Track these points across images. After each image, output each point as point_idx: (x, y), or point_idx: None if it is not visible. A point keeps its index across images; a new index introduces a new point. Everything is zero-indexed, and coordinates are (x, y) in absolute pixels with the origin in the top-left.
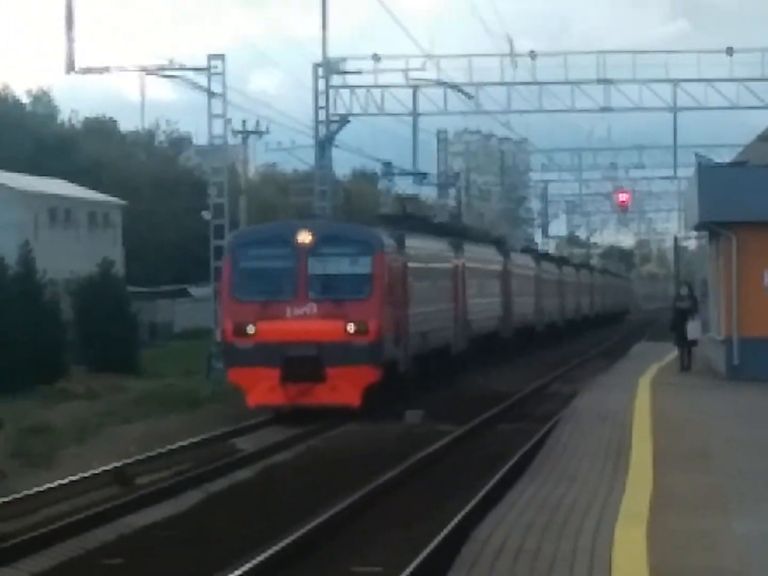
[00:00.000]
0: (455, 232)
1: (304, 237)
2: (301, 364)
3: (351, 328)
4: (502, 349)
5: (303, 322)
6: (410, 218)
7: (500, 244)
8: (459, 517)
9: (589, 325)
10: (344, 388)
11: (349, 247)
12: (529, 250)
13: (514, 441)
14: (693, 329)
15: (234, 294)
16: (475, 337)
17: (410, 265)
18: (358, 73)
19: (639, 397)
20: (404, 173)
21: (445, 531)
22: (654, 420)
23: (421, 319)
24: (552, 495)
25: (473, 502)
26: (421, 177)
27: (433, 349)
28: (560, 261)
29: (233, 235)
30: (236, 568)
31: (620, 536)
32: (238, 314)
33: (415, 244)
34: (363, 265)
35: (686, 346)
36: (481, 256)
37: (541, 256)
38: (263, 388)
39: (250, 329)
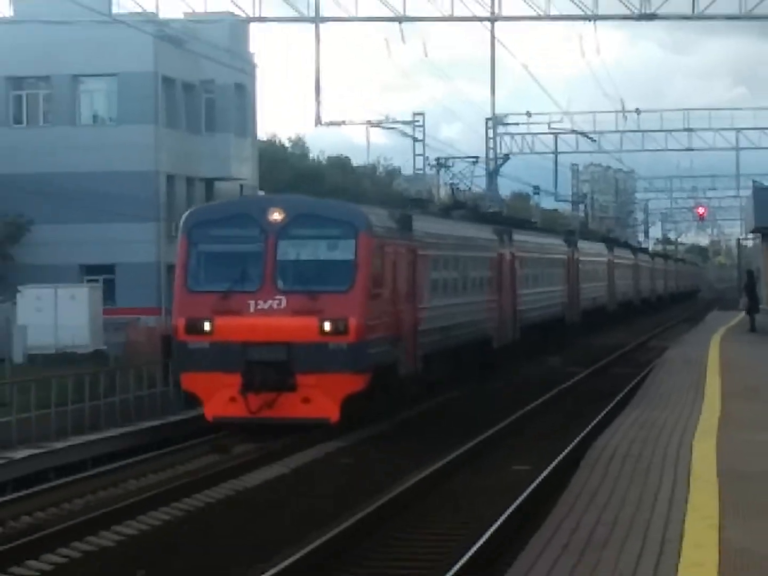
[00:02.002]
0: (510, 223)
1: (275, 215)
2: (267, 369)
3: (327, 326)
4: (567, 332)
5: (269, 318)
6: (458, 206)
7: (568, 235)
8: (584, 432)
9: (663, 303)
10: (319, 399)
11: (327, 228)
12: (606, 239)
13: (623, 379)
14: (742, 303)
15: (188, 283)
16: (528, 326)
17: (421, 252)
18: (516, 124)
19: (711, 349)
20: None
21: (574, 442)
22: (722, 364)
23: (440, 312)
24: (649, 417)
25: (594, 422)
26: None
27: (465, 344)
28: (635, 249)
29: (189, 212)
30: (434, 465)
31: (697, 446)
32: (191, 308)
33: (428, 228)
34: (344, 250)
35: (753, 311)
36: (537, 247)
37: (615, 244)
38: (223, 398)
39: (206, 326)
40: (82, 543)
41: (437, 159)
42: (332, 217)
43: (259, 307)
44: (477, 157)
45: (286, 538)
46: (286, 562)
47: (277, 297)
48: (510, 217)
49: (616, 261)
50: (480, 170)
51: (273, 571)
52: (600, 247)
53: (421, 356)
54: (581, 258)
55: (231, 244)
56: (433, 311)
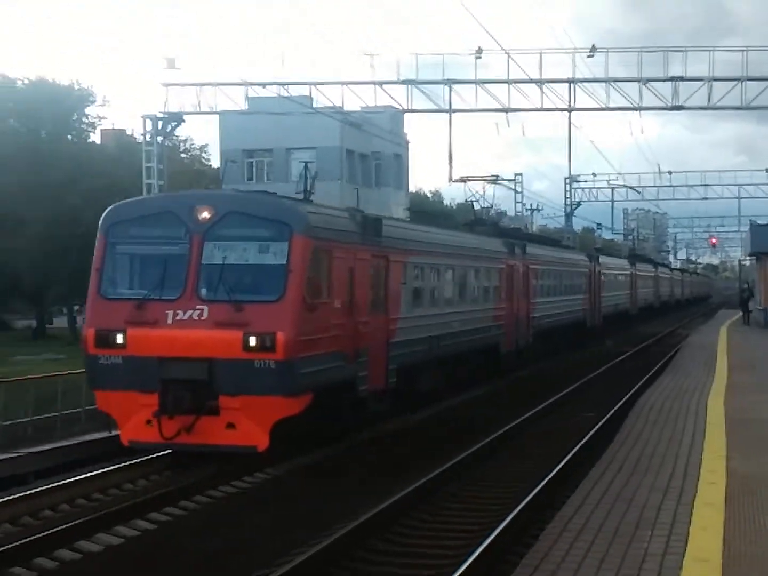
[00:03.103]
0: (527, 238)
1: (203, 214)
2: (186, 389)
3: (252, 341)
4: (587, 334)
5: (189, 331)
6: (479, 222)
7: (591, 253)
8: (630, 392)
9: (679, 306)
10: (244, 424)
11: (259, 228)
12: (630, 256)
13: (658, 356)
14: (750, 304)
15: (102, 289)
16: (543, 331)
17: (395, 259)
18: (585, 181)
19: (720, 336)
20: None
21: (625, 398)
22: (728, 346)
23: (423, 322)
24: (677, 383)
25: (638, 385)
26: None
27: (461, 352)
28: (656, 263)
29: (110, 208)
30: (523, 415)
31: (711, 402)
32: (103, 317)
33: (405, 234)
34: (275, 254)
35: (746, 312)
36: (555, 260)
37: (638, 260)
38: (139, 421)
39: (119, 339)
40: (254, 477)
41: (531, 206)
42: (265, 216)
43: (177, 317)
44: (497, 176)
45: (414, 464)
46: (426, 478)
47: (199, 307)
48: (528, 233)
49: (638, 273)
50: (560, 212)
51: (417, 483)
52: (623, 262)
53: (394, 370)
54: (603, 271)
55: (152, 246)
56: (411, 321)
